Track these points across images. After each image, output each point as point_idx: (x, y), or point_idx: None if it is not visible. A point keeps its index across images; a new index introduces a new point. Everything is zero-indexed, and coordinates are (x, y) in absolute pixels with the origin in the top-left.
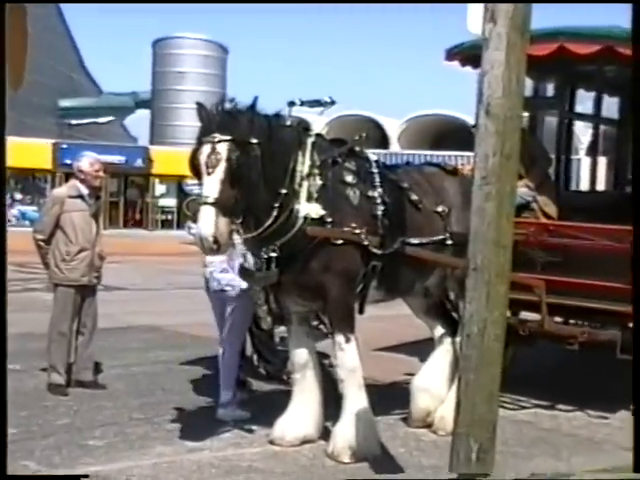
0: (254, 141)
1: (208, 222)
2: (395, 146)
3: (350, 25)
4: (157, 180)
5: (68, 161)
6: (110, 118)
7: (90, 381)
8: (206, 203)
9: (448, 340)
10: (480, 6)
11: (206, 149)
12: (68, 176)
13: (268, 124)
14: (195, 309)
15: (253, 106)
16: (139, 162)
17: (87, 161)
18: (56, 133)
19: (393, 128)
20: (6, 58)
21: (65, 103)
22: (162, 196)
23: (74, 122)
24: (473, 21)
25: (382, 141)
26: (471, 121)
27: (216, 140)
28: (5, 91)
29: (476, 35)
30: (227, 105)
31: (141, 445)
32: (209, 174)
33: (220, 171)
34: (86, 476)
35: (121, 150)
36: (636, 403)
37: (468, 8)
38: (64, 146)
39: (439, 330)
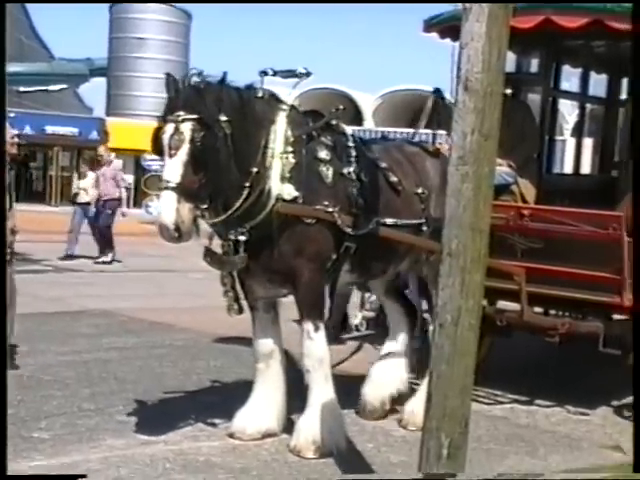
0: (223, 118)
1: (169, 209)
2: (370, 122)
3: None
4: (113, 154)
5: (16, 131)
6: (63, 86)
7: None
8: (167, 188)
9: (404, 327)
10: None
11: (169, 129)
12: (18, 147)
13: (239, 98)
14: (153, 293)
15: (223, 80)
16: (94, 134)
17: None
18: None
19: (367, 103)
20: None
21: (13, 68)
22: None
23: (23, 89)
24: None
25: (356, 117)
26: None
27: (180, 119)
28: (5, 90)
29: (456, 5)
30: (194, 79)
31: (91, 437)
32: (171, 156)
33: (183, 153)
34: (84, 476)
35: (74, 121)
36: (636, 402)
37: None
38: (11, 115)
39: (395, 312)
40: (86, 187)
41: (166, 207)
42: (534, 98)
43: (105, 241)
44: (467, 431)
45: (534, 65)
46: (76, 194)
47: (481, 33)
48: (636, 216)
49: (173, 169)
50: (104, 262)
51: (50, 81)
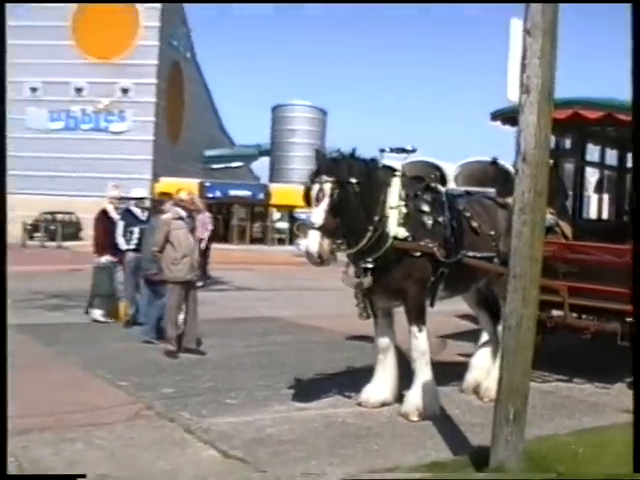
0: (353, 181)
1: (314, 243)
2: (452, 184)
3: (417, 93)
4: (274, 209)
5: (210, 195)
6: (241, 163)
7: (194, 349)
8: (313, 228)
9: (491, 329)
10: (517, 80)
11: (316, 187)
12: (210, 206)
13: (365, 167)
14: (303, 305)
15: (352, 154)
16: (261, 196)
17: (185, 194)
18: (202, 175)
19: (450, 170)
20: (169, 121)
21: (208, 153)
22: (278, 221)
23: (215, 166)
24: (512, 92)
25: (442, 180)
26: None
27: (323, 181)
28: (5, 94)
29: (513, 102)
30: (334, 154)
31: (264, 404)
32: (316, 206)
33: (324, 204)
34: (83, 476)
35: (248, 187)
36: (636, 404)
37: (508, 82)
38: (207, 184)
39: (484, 318)
40: None
41: (312, 241)
42: (569, 167)
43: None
44: (527, 402)
45: (568, 143)
46: None
47: (533, 122)
48: (635, 232)
49: (317, 215)
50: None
51: (232, 160)
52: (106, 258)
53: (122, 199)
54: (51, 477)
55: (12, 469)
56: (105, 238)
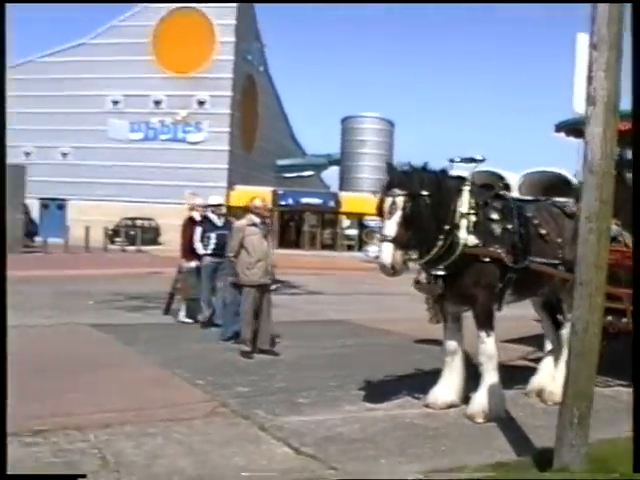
0: (424, 193)
1: (387, 254)
2: (515, 193)
3: (480, 110)
4: (344, 217)
5: (283, 202)
6: (311, 172)
7: (268, 349)
8: (386, 240)
9: (553, 335)
10: (583, 93)
11: (388, 200)
12: (283, 213)
13: (436, 179)
14: (372, 309)
15: (424, 168)
16: (331, 203)
17: (258, 201)
18: (274, 183)
19: (514, 180)
20: (244, 131)
21: (280, 162)
22: (347, 228)
23: (287, 175)
24: (578, 104)
25: (505, 189)
26: (569, 176)
27: (395, 194)
28: (5, 94)
29: (578, 114)
30: (405, 167)
31: (334, 404)
32: (389, 219)
33: (397, 217)
34: (84, 476)
35: (319, 195)
36: (636, 404)
37: (574, 94)
38: (280, 192)
39: (547, 323)
40: None
41: (385, 253)
42: (631, 177)
43: None
44: (591, 406)
45: (629, 154)
46: None
47: (600, 133)
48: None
49: (390, 227)
50: None
51: (304, 170)
52: (195, 263)
53: (206, 207)
54: (51, 477)
55: (96, 461)
56: (192, 244)
